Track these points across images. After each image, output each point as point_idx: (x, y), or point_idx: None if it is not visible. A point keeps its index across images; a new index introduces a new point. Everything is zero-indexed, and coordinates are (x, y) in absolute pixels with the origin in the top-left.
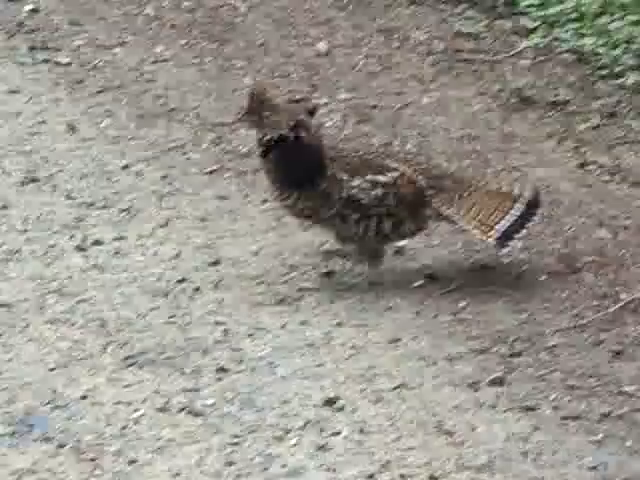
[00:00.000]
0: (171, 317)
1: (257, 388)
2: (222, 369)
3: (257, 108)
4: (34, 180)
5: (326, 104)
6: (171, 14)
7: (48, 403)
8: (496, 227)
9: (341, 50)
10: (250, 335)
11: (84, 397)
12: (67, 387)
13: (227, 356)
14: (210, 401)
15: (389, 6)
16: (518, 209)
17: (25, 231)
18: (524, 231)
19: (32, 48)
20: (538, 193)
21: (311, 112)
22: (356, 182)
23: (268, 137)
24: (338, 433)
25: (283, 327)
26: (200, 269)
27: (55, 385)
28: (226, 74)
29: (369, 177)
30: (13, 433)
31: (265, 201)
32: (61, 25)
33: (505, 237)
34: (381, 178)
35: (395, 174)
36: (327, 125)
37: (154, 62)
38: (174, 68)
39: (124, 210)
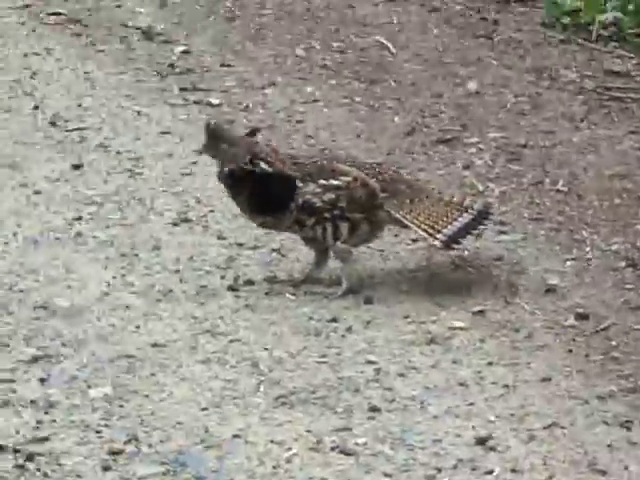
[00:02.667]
0: (322, 356)
1: (409, 427)
2: (374, 408)
3: (214, 142)
4: (186, 220)
5: (476, 143)
6: (321, 54)
7: (201, 442)
8: (443, 231)
9: (491, 89)
10: (401, 374)
11: (236, 436)
12: (219, 426)
13: (379, 395)
14: (362, 440)
15: (539, 45)
16: (466, 217)
17: (177, 271)
18: (470, 236)
19: (183, 89)
20: (489, 206)
21: (252, 133)
22: (310, 188)
23: (227, 169)
24: (490, 472)
25: (434, 366)
26: (351, 308)
27: (208, 424)
28: (376, 114)
29: (322, 182)
30: (166, 472)
31: (415, 241)
32: (212, 66)
33: (451, 240)
34: (334, 182)
35: (348, 178)
36: (477, 164)
37: (304, 102)
38: (324, 108)
39: (275, 250)
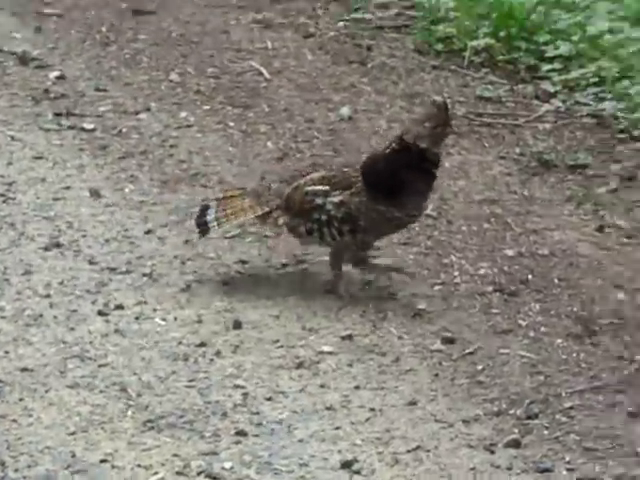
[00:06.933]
0: (191, 381)
1: (275, 451)
2: (241, 432)
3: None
4: (58, 245)
5: None
6: (195, 80)
7: (68, 467)
8: None
9: (364, 115)
10: (269, 398)
11: (104, 461)
12: (87, 451)
13: (246, 419)
14: (228, 464)
15: (412, 71)
16: None
17: (48, 296)
18: None
19: (57, 114)
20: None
21: None
22: None
23: None
24: None
25: (302, 390)
26: (220, 333)
27: (75, 449)
28: (249, 139)
29: None
30: None
31: (285, 265)
32: (86, 91)
33: None
34: None
35: None
36: None
37: (178, 127)
38: (198, 133)
39: (146, 275)
